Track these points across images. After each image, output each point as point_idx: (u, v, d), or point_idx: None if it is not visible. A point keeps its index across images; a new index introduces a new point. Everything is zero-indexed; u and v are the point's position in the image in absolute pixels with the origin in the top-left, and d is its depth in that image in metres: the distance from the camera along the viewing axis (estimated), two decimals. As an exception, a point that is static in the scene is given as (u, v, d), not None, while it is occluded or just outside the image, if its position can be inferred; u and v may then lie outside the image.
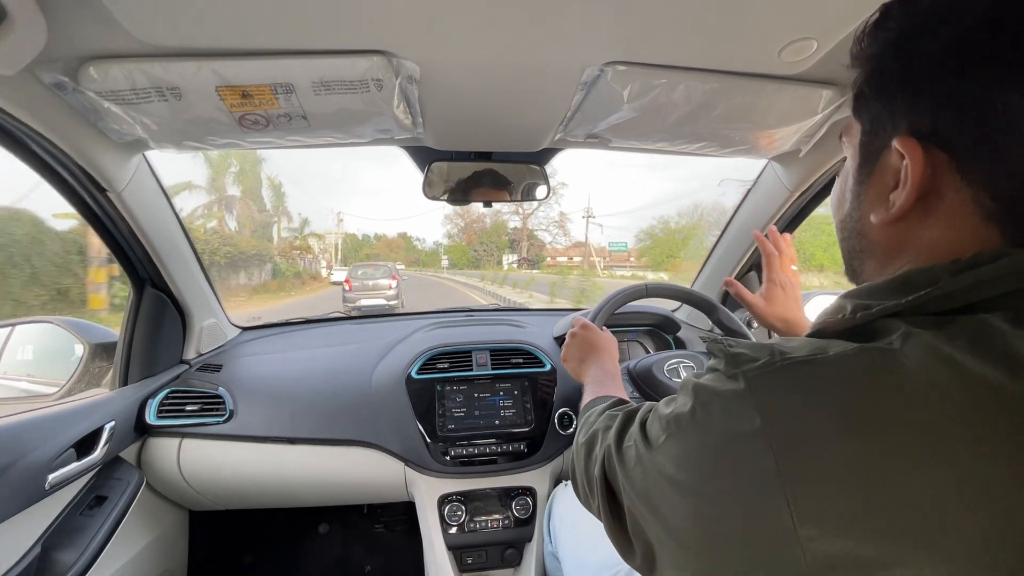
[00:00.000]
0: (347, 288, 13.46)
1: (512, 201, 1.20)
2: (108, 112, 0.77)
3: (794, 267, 0.91)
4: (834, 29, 0.69)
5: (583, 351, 0.91)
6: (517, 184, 1.19)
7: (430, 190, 1.14)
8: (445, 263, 45.98)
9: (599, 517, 0.51)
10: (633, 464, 0.44)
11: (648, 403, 0.50)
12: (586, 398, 0.76)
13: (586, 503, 0.56)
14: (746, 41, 0.72)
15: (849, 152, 0.43)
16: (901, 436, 0.29)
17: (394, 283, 13.54)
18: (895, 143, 0.36)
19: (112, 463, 1.10)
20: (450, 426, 1.19)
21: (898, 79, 0.36)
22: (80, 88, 0.72)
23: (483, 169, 1.15)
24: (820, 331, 0.38)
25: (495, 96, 0.85)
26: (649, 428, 0.43)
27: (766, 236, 0.93)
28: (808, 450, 0.31)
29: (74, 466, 0.95)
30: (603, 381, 0.80)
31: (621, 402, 0.66)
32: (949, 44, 0.33)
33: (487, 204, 1.19)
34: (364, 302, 12.78)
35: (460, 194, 1.18)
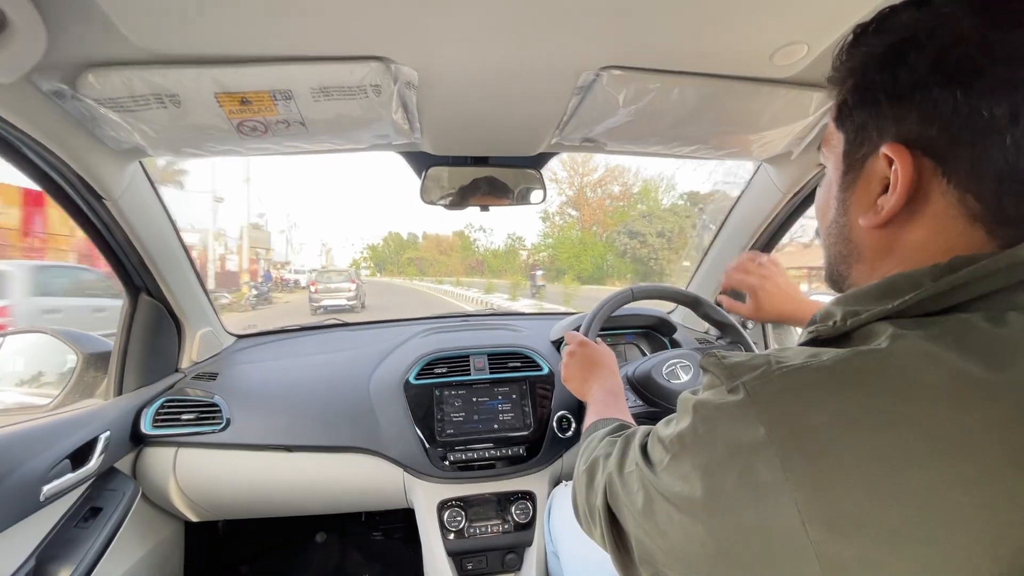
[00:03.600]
0: (313, 290, 16.47)
1: (508, 205, 1.21)
2: (106, 119, 0.77)
3: (762, 260, 0.91)
4: (824, 33, 0.71)
5: (584, 369, 0.91)
6: (514, 188, 1.20)
7: (427, 195, 1.15)
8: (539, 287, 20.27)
9: (603, 546, 0.51)
10: (636, 489, 0.44)
11: (645, 427, 0.50)
12: (588, 420, 0.76)
13: (588, 531, 0.56)
14: (738, 45, 0.74)
15: (831, 161, 0.45)
16: (896, 434, 0.30)
17: (353, 286, 16.51)
18: (884, 149, 0.37)
19: (107, 474, 1.08)
20: (449, 431, 1.19)
21: (884, 90, 0.38)
22: (78, 95, 0.72)
23: (480, 173, 1.16)
24: (814, 339, 0.39)
25: (492, 101, 0.86)
26: (651, 451, 0.44)
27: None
28: (812, 455, 0.31)
29: (69, 477, 0.94)
30: (606, 401, 0.80)
31: (623, 427, 0.65)
32: (935, 57, 0.35)
33: (484, 208, 1.20)
34: (326, 302, 15.61)
35: (457, 198, 1.18)
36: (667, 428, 0.42)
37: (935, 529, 0.28)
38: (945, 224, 0.36)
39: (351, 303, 15.94)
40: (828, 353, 0.34)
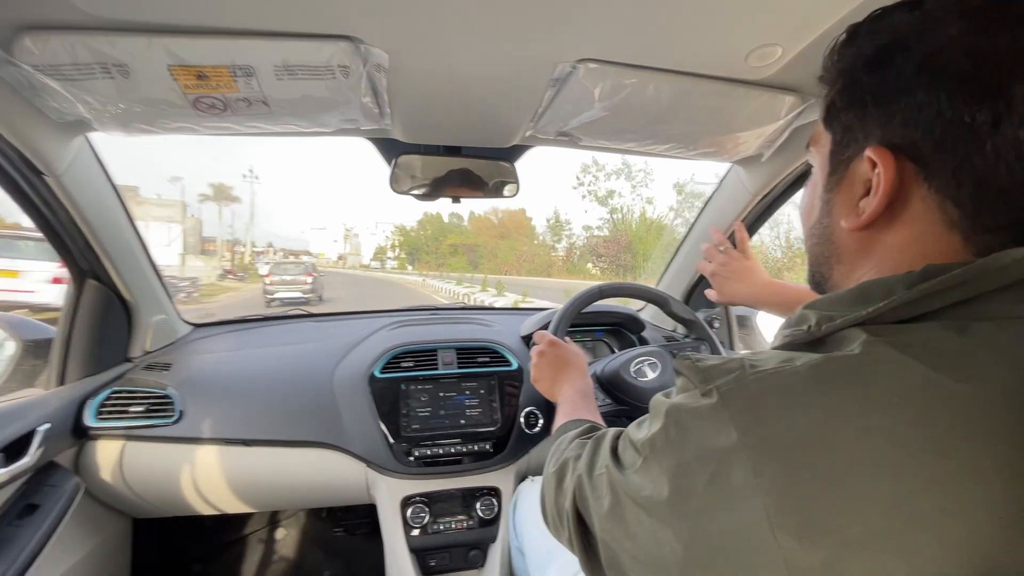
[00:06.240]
0: (267, 282, 15.97)
1: (481, 197, 1.19)
2: (46, 88, 0.71)
3: (722, 247, 0.96)
4: (798, 36, 0.71)
5: (554, 370, 0.90)
6: (487, 180, 1.18)
7: (397, 184, 1.11)
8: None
9: (571, 549, 0.50)
10: (605, 492, 0.43)
11: (616, 429, 0.50)
12: (558, 421, 0.75)
13: (556, 534, 0.55)
14: (714, 44, 0.74)
15: (817, 161, 0.45)
16: (867, 442, 0.30)
17: (310, 279, 16.08)
18: (868, 152, 0.37)
19: (46, 469, 1.02)
20: (414, 426, 1.17)
21: (871, 92, 0.37)
22: (14, 60, 0.66)
23: (452, 163, 1.13)
24: (788, 343, 0.39)
25: (465, 89, 0.84)
26: (622, 454, 0.43)
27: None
28: (783, 461, 0.31)
29: (1, 472, 0.87)
30: (576, 402, 0.79)
31: (593, 428, 0.65)
32: (921, 60, 0.35)
33: (455, 200, 1.18)
34: (281, 294, 15.12)
35: (429, 189, 1.15)
36: (639, 431, 0.42)
37: (903, 536, 0.28)
38: (923, 229, 0.36)
39: (308, 296, 15.93)
40: (802, 358, 0.34)
